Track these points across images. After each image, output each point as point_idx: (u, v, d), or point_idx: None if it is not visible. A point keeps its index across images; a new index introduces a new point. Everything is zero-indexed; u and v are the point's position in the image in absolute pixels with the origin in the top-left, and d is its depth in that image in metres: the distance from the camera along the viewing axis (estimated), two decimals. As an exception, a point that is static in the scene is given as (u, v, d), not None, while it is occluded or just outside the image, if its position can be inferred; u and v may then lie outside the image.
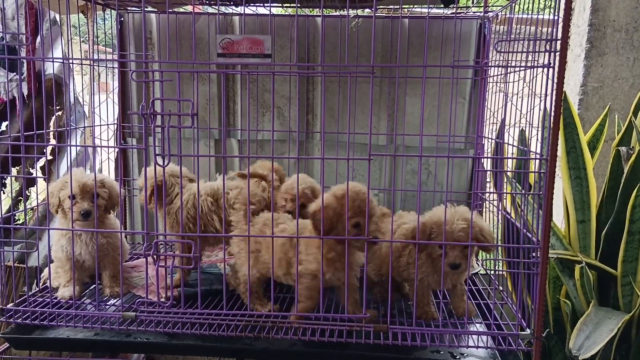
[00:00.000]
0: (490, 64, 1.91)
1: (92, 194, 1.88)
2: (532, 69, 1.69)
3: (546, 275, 1.56)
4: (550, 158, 1.52)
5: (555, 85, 1.50)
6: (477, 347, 1.61)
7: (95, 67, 2.45)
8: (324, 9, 2.44)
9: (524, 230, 1.77)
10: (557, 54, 1.49)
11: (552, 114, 1.50)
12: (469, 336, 1.68)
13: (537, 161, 1.98)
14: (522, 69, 1.66)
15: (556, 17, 1.51)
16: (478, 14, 2.45)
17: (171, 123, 1.59)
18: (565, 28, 1.48)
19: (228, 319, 1.73)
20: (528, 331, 1.64)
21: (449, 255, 1.65)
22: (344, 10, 2.40)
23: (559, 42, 1.49)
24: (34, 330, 1.83)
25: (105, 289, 2.00)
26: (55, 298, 1.90)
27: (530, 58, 1.67)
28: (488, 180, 2.53)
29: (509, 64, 1.88)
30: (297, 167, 1.66)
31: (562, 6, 1.48)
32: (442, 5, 2.16)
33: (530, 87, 1.71)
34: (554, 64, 1.50)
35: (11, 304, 1.82)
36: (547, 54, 1.51)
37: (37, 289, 2.04)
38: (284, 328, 1.71)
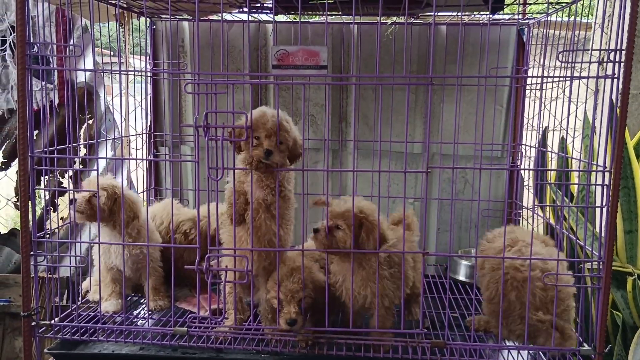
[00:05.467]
0: (550, 74, 1.88)
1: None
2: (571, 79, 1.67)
3: (609, 290, 1.53)
4: (615, 170, 1.49)
5: (620, 95, 1.47)
6: (539, 363, 1.58)
7: (128, 76, 2.43)
8: (364, 16, 2.43)
9: (579, 241, 1.74)
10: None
11: (618, 123, 1.47)
12: (528, 352, 1.65)
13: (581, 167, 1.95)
14: (586, 78, 1.62)
15: (620, 26, 1.48)
16: (517, 20, 2.42)
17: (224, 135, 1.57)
18: (631, 37, 1.45)
19: (280, 334, 1.70)
20: (587, 346, 1.61)
21: None
22: (386, 18, 2.37)
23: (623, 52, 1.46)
24: (77, 346, 1.80)
25: (148, 302, 1.97)
26: (99, 312, 1.86)
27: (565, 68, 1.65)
28: (526, 189, 2.50)
29: (549, 73, 1.85)
30: (344, 178, 1.62)
31: (627, 15, 1.45)
32: (489, 12, 2.14)
33: (590, 96, 1.68)
34: (619, 74, 1.48)
35: (57, 319, 1.78)
36: (610, 64, 1.48)
37: (75, 303, 2.00)
38: (337, 344, 1.68)
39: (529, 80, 2.39)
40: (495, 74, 2.37)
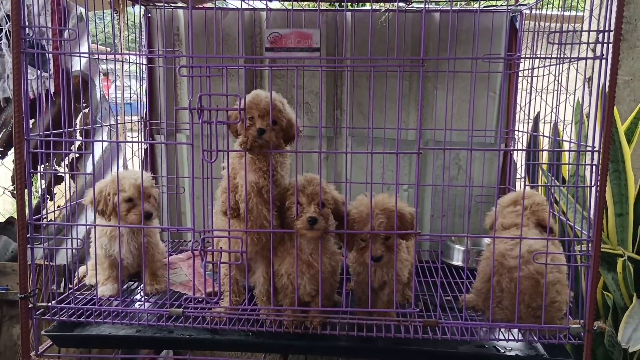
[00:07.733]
0: (539, 56, 1.90)
1: (147, 195, 1.87)
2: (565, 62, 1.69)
3: (598, 269, 1.56)
4: (603, 149, 1.51)
5: (608, 75, 1.49)
6: (529, 340, 1.61)
7: (123, 64, 2.44)
8: (356, 3, 2.44)
9: (569, 222, 1.76)
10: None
11: (606, 104, 1.49)
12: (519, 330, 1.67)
13: (572, 153, 1.98)
14: (575, 60, 1.65)
15: (608, 9, 1.50)
16: (510, 7, 2.44)
17: (219, 119, 1.59)
18: (619, 19, 1.47)
19: (274, 314, 1.72)
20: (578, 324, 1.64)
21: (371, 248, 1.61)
22: (376, 4, 2.38)
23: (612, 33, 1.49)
24: (74, 328, 1.82)
25: (145, 286, 1.99)
26: (95, 296, 1.88)
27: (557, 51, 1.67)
28: (519, 176, 2.52)
29: (547, 56, 1.87)
30: (350, 161, 1.63)
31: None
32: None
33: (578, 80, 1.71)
34: (607, 55, 1.50)
35: (54, 301, 1.80)
36: (599, 45, 1.51)
37: (72, 286, 2.02)
38: (331, 324, 1.71)
39: (521, 67, 2.41)
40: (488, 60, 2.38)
